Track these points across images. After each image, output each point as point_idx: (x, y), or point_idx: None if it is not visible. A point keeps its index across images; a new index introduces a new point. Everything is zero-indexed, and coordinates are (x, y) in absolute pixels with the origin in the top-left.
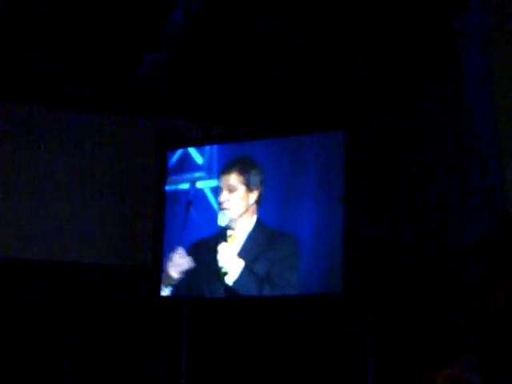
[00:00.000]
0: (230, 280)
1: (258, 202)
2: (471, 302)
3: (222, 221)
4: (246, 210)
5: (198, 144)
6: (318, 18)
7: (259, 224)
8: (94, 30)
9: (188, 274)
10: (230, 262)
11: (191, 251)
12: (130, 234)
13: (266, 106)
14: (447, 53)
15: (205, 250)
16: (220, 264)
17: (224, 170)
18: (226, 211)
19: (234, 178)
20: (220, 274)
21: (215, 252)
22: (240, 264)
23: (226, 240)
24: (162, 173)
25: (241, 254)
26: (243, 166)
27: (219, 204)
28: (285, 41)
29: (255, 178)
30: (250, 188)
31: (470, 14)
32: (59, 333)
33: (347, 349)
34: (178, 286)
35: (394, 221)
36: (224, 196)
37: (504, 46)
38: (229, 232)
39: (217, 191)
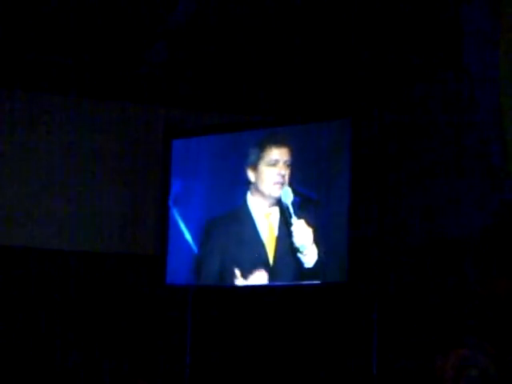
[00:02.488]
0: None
1: None
2: (478, 286)
3: (286, 197)
4: None
5: (204, 133)
6: (324, 8)
7: None
8: (102, 20)
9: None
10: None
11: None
12: (136, 222)
13: (271, 95)
14: (452, 44)
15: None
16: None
17: (274, 142)
18: (285, 186)
19: (289, 152)
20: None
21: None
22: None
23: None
24: (168, 161)
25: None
26: (288, 140)
27: (276, 180)
28: (290, 29)
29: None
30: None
31: (476, 10)
32: (64, 321)
33: (352, 337)
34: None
35: (398, 210)
36: (282, 169)
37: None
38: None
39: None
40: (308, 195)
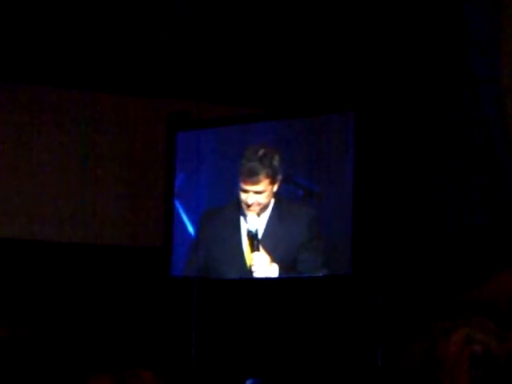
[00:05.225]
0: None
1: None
2: (485, 277)
3: (251, 226)
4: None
5: (209, 125)
6: (327, 3)
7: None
8: (105, 13)
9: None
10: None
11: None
12: (141, 214)
13: (275, 88)
14: (457, 43)
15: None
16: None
17: (249, 174)
18: (253, 212)
19: (262, 185)
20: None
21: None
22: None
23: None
24: (172, 153)
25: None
26: (269, 166)
27: (246, 205)
28: (294, 23)
29: (279, 169)
30: (274, 182)
31: (479, 10)
32: (67, 314)
33: (357, 329)
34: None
35: (401, 204)
36: (251, 198)
37: None
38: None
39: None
40: (310, 188)
